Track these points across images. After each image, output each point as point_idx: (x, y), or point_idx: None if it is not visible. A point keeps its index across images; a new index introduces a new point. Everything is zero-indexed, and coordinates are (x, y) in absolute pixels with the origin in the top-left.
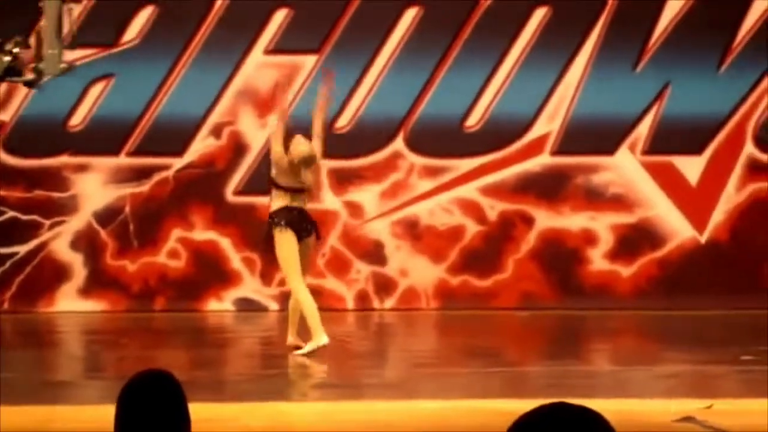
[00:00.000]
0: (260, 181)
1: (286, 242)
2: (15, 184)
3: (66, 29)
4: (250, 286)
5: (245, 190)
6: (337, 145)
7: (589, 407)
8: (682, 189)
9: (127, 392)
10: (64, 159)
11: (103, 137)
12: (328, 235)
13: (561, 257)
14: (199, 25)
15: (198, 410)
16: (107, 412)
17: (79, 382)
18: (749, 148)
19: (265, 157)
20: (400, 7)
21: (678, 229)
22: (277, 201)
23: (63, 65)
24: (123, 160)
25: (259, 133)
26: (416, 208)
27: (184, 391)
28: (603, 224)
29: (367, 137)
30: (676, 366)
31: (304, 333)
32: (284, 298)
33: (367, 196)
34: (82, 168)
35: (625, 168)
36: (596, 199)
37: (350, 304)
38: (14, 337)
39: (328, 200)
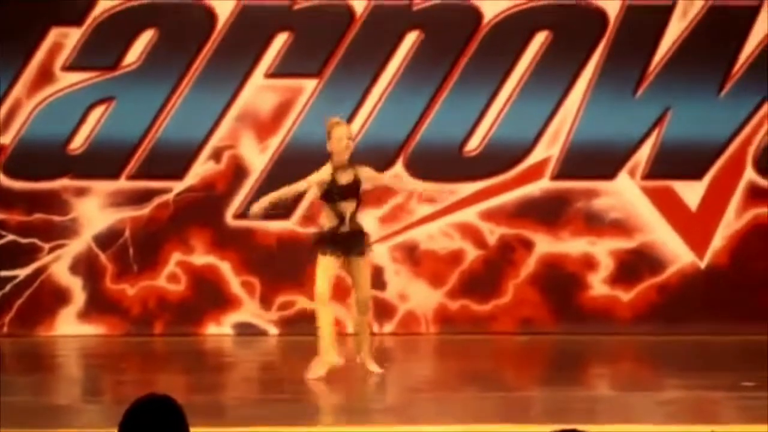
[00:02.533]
0: None
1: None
2: (14, 208)
3: None
4: (250, 310)
5: (245, 213)
6: None
7: None
8: (682, 214)
9: (129, 417)
10: (64, 182)
11: (104, 160)
12: None
13: (560, 282)
14: (199, 48)
15: None
16: None
17: (78, 406)
18: (749, 174)
19: (266, 181)
20: (400, 32)
21: (678, 254)
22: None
23: None
24: (123, 183)
25: (259, 157)
26: (416, 233)
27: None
28: (603, 249)
29: (366, 161)
30: (676, 392)
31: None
32: (284, 322)
33: (366, 220)
34: (82, 191)
35: (625, 193)
36: (596, 223)
37: (350, 328)
38: (13, 360)
39: None
